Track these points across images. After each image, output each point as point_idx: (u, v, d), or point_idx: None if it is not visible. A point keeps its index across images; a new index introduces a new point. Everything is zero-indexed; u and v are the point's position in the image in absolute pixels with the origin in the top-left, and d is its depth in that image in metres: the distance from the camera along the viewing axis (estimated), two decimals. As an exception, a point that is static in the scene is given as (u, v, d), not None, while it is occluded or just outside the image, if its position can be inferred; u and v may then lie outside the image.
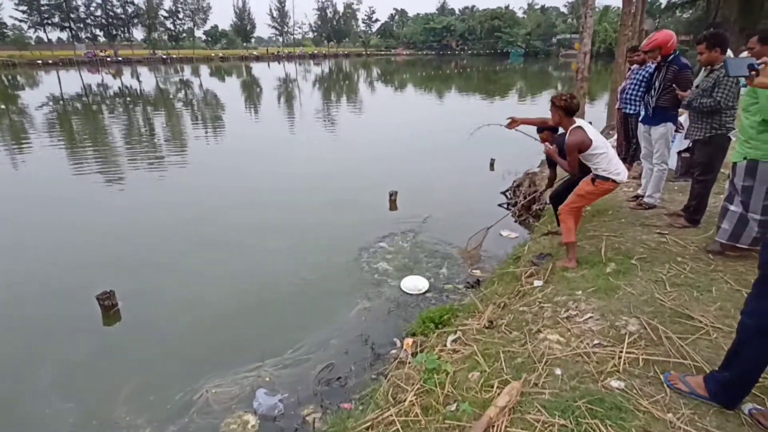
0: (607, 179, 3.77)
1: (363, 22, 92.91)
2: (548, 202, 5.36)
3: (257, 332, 4.49)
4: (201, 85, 35.79)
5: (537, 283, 3.87)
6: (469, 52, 78.71)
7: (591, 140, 3.67)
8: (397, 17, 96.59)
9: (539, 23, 77.27)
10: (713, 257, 3.70)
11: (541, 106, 24.13)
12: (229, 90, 32.65)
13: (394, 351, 4.03)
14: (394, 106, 23.07)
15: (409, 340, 3.93)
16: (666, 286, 3.36)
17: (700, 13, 35.30)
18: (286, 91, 31.79)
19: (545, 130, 4.54)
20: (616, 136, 8.89)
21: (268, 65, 62.49)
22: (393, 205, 7.81)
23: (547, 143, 4.30)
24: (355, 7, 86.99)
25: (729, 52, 5.46)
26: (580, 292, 3.44)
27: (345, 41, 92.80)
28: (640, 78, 6.52)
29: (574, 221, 4.04)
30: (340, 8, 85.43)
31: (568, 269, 3.87)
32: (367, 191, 8.53)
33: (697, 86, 4.34)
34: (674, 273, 3.56)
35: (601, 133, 10.60)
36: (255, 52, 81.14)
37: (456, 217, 7.30)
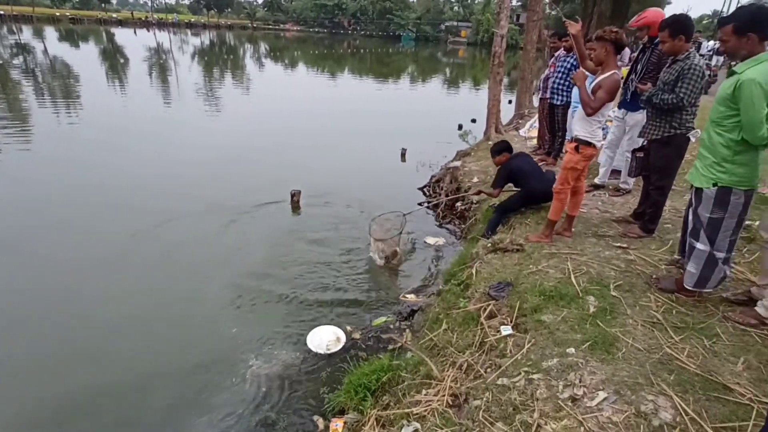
0: (589, 144, 3.60)
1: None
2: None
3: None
4: (46, 51, 29.35)
5: (505, 330, 2.92)
6: (362, 32, 77.11)
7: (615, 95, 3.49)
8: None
9: (428, 9, 78.60)
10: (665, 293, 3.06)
11: (431, 89, 24.16)
12: (86, 59, 27.18)
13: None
14: (287, 88, 20.75)
15: (337, 423, 2.76)
16: (669, 331, 2.67)
17: (568, 8, 38.50)
18: (159, 63, 27.40)
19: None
20: (529, 126, 8.51)
21: (135, 32, 54.22)
22: (295, 207, 6.43)
23: (580, 70, 3.79)
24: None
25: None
26: (572, 349, 2.55)
27: (227, 11, 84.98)
28: (568, 66, 5.99)
29: (571, 201, 3.90)
30: (222, -26, 77.92)
31: (542, 243, 3.88)
32: (264, 189, 7.00)
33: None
34: (665, 308, 2.92)
35: (510, 123, 10.36)
36: (116, 16, 70.12)
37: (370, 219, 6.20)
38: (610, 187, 5.34)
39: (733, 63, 2.74)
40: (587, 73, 3.76)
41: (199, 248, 5.31)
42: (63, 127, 10.61)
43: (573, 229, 4.08)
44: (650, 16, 4.22)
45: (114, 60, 27.67)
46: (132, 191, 6.81)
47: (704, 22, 56.07)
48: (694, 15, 65.90)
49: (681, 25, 3.43)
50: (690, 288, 2.92)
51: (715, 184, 2.64)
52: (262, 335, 3.82)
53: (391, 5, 76.70)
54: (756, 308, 2.64)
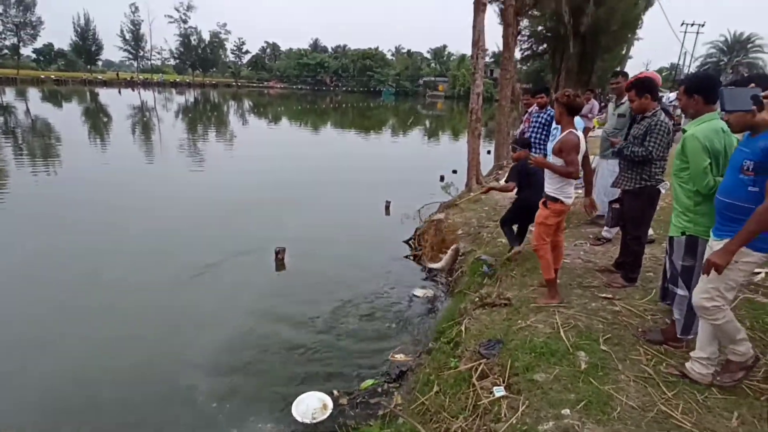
0: (556, 200, 3.64)
1: (232, 53, 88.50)
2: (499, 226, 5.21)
3: None
4: (28, 111, 29.56)
5: (498, 391, 2.85)
6: (344, 88, 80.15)
7: (579, 151, 3.53)
8: (269, 50, 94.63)
9: (407, 66, 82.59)
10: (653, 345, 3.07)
11: (411, 140, 24.87)
12: (68, 118, 27.39)
13: None
14: (270, 142, 21.10)
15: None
16: (661, 387, 2.64)
17: (538, 64, 40.85)
18: (142, 121, 27.76)
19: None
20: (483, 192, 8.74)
21: (119, 92, 55.21)
22: (280, 265, 6.36)
23: (532, 155, 4.13)
24: (222, 36, 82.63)
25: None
26: (567, 410, 2.50)
27: (212, 71, 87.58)
28: (542, 121, 6.25)
29: (552, 255, 3.78)
30: (206, 36, 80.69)
31: (550, 305, 3.68)
32: (247, 246, 6.93)
33: (616, 134, 4.05)
34: (655, 361, 2.91)
35: (490, 174, 10.66)
36: (101, 77, 71.43)
37: (357, 274, 6.17)
38: (590, 236, 5.46)
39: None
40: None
41: (177, 310, 5.16)
42: (39, 186, 10.51)
43: (558, 281, 4.06)
44: (652, 76, 4.54)
45: (96, 118, 27.94)
46: (106, 249, 6.68)
47: (663, 74, 59.96)
48: (653, 68, 70.42)
49: (645, 86, 3.70)
50: (679, 336, 2.94)
51: (683, 233, 2.79)
52: (245, 406, 3.65)
53: (371, 63, 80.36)
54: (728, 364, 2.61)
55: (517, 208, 4.90)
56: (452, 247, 5.24)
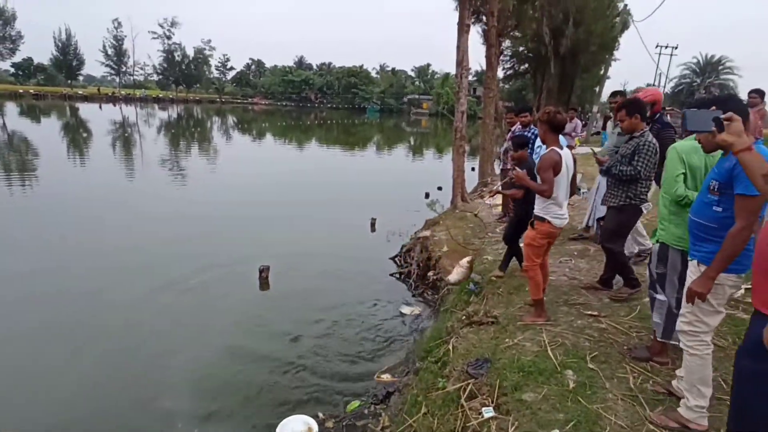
0: (543, 220, 3.56)
1: (217, 69, 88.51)
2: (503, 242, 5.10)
3: None
4: (4, 126, 28.92)
5: (487, 412, 2.82)
6: (329, 105, 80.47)
7: (560, 170, 3.43)
8: (253, 67, 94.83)
9: (391, 83, 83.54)
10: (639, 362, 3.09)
11: (396, 157, 25.04)
12: (46, 133, 26.86)
13: None
14: (254, 159, 20.97)
15: None
16: (645, 404, 2.64)
17: (520, 83, 41.77)
18: (123, 136, 27.37)
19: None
20: (491, 196, 8.84)
21: (100, 107, 54.50)
22: (264, 284, 6.26)
23: (516, 169, 3.98)
24: (207, 53, 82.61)
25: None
26: (557, 431, 2.47)
27: (196, 87, 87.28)
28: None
29: (541, 276, 3.71)
30: (190, 52, 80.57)
31: (537, 324, 3.64)
32: (230, 264, 6.82)
33: (616, 152, 4.10)
34: (641, 378, 2.93)
35: (474, 191, 10.75)
36: (81, 92, 70.45)
37: (343, 292, 6.10)
38: (575, 252, 5.51)
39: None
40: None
41: (156, 330, 5.02)
42: (14, 201, 10.24)
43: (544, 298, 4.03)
44: (657, 93, 4.64)
45: (76, 133, 27.47)
46: (82, 266, 6.52)
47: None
48: (630, 88, 72.63)
49: (636, 107, 3.80)
50: (659, 339, 2.98)
51: (657, 240, 2.90)
52: (227, 431, 3.53)
53: (356, 80, 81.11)
54: (678, 409, 2.48)
55: (518, 221, 4.67)
56: (466, 259, 5.00)
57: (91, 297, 5.66)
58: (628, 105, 3.79)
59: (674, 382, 2.72)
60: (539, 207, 3.61)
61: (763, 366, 1.45)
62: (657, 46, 33.05)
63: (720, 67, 50.48)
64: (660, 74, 35.31)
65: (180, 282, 6.11)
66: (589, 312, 3.90)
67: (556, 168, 3.43)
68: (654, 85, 35.86)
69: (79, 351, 4.52)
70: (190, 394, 3.97)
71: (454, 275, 4.94)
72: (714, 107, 2.02)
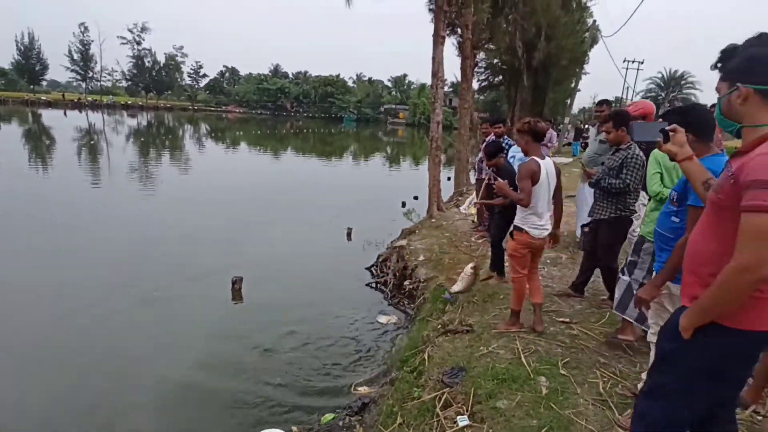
0: (522, 230, 3.53)
1: (189, 76, 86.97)
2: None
3: None
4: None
5: (462, 420, 2.83)
6: (305, 114, 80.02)
7: (539, 179, 3.40)
8: (227, 75, 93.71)
9: (368, 93, 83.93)
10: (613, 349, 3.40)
11: (372, 166, 25.13)
12: (5, 139, 25.80)
13: None
14: (228, 168, 20.52)
15: None
16: (614, 408, 2.71)
17: (494, 95, 42.68)
18: (89, 144, 26.52)
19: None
20: (468, 203, 8.96)
21: (65, 113, 52.76)
22: (237, 296, 6.14)
23: (498, 180, 3.92)
24: (179, 59, 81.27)
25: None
26: (530, 438, 2.50)
27: (167, 94, 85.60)
28: (501, 150, 6.48)
29: (527, 289, 3.68)
30: (161, 58, 79.06)
31: (510, 331, 3.67)
32: (202, 276, 6.67)
33: (602, 163, 4.20)
34: (611, 382, 3.00)
35: (450, 200, 10.87)
36: (45, 97, 68.02)
37: (318, 303, 6.04)
38: (547, 260, 5.62)
39: None
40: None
41: (122, 345, 4.84)
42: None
43: (542, 320, 3.76)
44: (647, 106, 4.69)
45: (38, 140, 26.50)
46: (42, 278, 6.26)
47: (608, 106, 64.25)
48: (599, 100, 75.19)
49: (623, 119, 3.84)
50: (615, 311, 3.37)
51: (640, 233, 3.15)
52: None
53: (333, 90, 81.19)
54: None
55: (505, 223, 4.56)
56: (470, 266, 4.68)
57: (54, 310, 5.42)
58: (616, 117, 3.83)
59: (640, 386, 2.80)
60: (518, 217, 3.58)
61: (675, 345, 1.62)
62: (624, 61, 34.32)
63: (683, 82, 52.91)
64: (627, 88, 36.63)
65: (149, 294, 5.93)
66: (562, 319, 3.98)
67: (534, 177, 3.40)
68: (622, 98, 37.24)
69: (39, 368, 4.32)
70: (158, 410, 3.84)
71: (459, 284, 4.64)
72: (661, 119, 2.16)
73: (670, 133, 1.93)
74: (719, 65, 1.73)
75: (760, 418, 2.57)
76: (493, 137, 6.62)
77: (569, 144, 22.48)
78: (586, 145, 23.13)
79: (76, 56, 70.76)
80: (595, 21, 25.54)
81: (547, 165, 3.48)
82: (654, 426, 1.69)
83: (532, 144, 3.51)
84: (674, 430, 1.67)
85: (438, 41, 8.27)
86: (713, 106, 6.63)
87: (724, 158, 2.25)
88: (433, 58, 8.30)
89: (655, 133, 2.02)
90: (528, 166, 3.41)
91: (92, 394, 4.06)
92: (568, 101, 35.45)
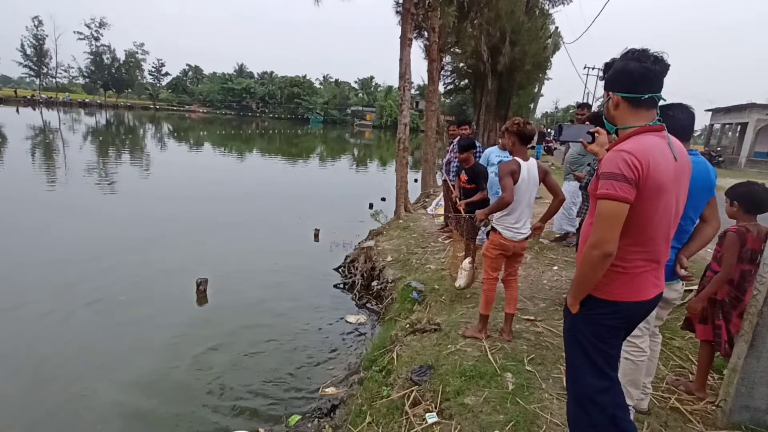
0: (495, 230, 3.49)
1: (150, 74, 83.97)
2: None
3: None
4: None
5: (431, 417, 2.85)
6: (271, 115, 78.79)
7: (519, 179, 3.32)
8: (191, 73, 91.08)
9: (335, 94, 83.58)
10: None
11: (339, 167, 25.04)
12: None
13: None
14: (191, 169, 19.77)
15: None
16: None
17: (460, 98, 43.37)
18: (44, 143, 25.21)
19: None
20: (435, 205, 9.06)
21: (17, 110, 50.00)
22: (202, 298, 5.97)
23: (477, 213, 3.77)
24: (140, 56, 78.35)
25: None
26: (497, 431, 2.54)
27: (127, 92, 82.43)
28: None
29: (493, 292, 3.56)
30: (121, 55, 76.04)
31: (477, 339, 3.59)
32: (164, 279, 6.46)
33: (588, 164, 4.33)
34: (573, 377, 3.05)
35: (417, 201, 10.95)
36: (-6, 94, 64.38)
37: (286, 304, 5.96)
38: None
39: None
40: None
41: (81, 350, 4.61)
42: None
43: (512, 330, 3.67)
44: None
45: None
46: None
47: (571, 111, 66.40)
48: (561, 106, 77.63)
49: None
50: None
51: None
52: None
53: (299, 91, 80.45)
54: None
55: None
56: (467, 260, 4.51)
57: (6, 316, 5.10)
58: (597, 119, 3.88)
59: None
60: (495, 216, 3.50)
61: (569, 323, 1.93)
62: (585, 67, 35.61)
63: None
64: (588, 93, 38.00)
65: (109, 298, 5.69)
66: (527, 317, 4.08)
67: (515, 177, 3.32)
68: (584, 102, 38.58)
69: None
70: (119, 416, 3.68)
71: (462, 279, 4.47)
72: (588, 123, 2.33)
73: (596, 135, 2.14)
74: (603, 76, 1.95)
75: (713, 408, 2.71)
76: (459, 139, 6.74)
77: (532, 147, 23.12)
78: (548, 149, 23.93)
79: (29, 51, 67.15)
80: (557, 27, 26.43)
81: (529, 166, 3.40)
82: (590, 408, 1.85)
83: (517, 145, 3.42)
84: (604, 400, 1.84)
85: (405, 43, 8.33)
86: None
87: (698, 156, 2.39)
88: (401, 60, 8.36)
89: (583, 135, 2.22)
90: (509, 165, 3.35)
91: (47, 406, 3.84)
92: (532, 105, 36.50)
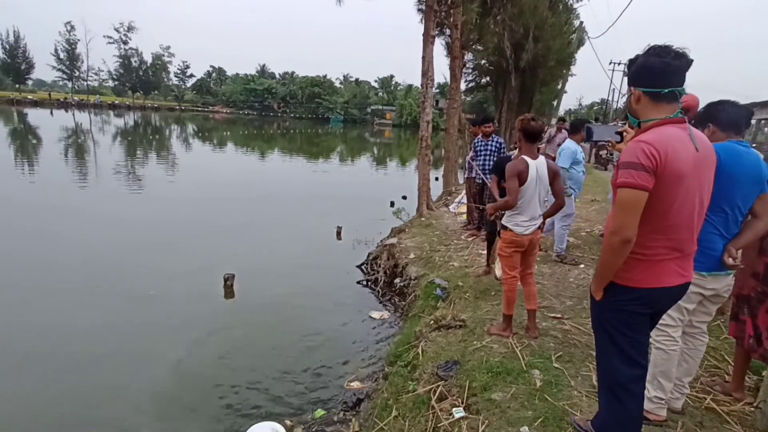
0: (506, 228, 3.46)
1: (176, 76, 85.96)
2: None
3: None
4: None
5: (457, 412, 2.84)
6: (292, 114, 79.57)
7: (527, 179, 3.28)
8: (214, 75, 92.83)
9: (355, 94, 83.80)
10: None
11: (360, 166, 25.13)
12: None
13: None
14: (216, 168, 20.23)
15: None
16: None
17: (480, 96, 42.92)
18: (77, 143, 26.08)
19: None
20: (457, 203, 9.01)
21: (51, 113, 51.83)
22: (229, 292, 6.09)
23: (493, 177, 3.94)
24: (166, 59, 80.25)
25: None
26: (526, 428, 2.53)
27: (154, 93, 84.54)
28: (492, 149, 6.56)
29: (516, 293, 3.50)
30: (148, 58, 78.02)
31: (502, 336, 3.56)
32: (193, 274, 6.61)
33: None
34: (603, 375, 3.00)
35: (439, 199, 10.91)
36: (31, 96, 66.83)
37: (310, 300, 6.03)
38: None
39: None
40: None
41: (116, 344, 4.78)
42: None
43: (537, 327, 3.65)
44: (690, 100, 4.69)
45: (24, 140, 25.96)
46: (33, 281, 6.11)
47: (595, 108, 65.00)
48: (585, 102, 76.03)
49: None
50: None
51: None
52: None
53: (320, 90, 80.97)
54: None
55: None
56: None
57: (46, 311, 5.32)
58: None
59: None
60: (505, 215, 3.50)
61: (595, 311, 2.00)
62: (611, 63, 34.75)
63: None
64: (613, 89, 37.11)
65: (140, 293, 5.86)
66: (553, 315, 4.03)
67: (522, 177, 3.28)
68: (608, 101, 37.75)
69: (29, 370, 4.23)
70: (153, 410, 3.79)
71: (499, 270, 4.30)
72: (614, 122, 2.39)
73: (624, 134, 2.20)
74: (627, 72, 1.98)
75: (752, 409, 2.63)
76: (481, 137, 6.66)
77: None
78: (601, 159, 23.23)
79: (62, 55, 69.52)
80: (582, 22, 25.85)
81: (538, 165, 3.35)
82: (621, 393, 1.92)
83: (522, 143, 3.40)
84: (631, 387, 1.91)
85: (428, 41, 8.31)
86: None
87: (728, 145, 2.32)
88: (423, 58, 8.34)
89: (609, 135, 2.28)
90: (515, 166, 3.30)
91: (83, 395, 3.99)
92: (555, 102, 35.84)
